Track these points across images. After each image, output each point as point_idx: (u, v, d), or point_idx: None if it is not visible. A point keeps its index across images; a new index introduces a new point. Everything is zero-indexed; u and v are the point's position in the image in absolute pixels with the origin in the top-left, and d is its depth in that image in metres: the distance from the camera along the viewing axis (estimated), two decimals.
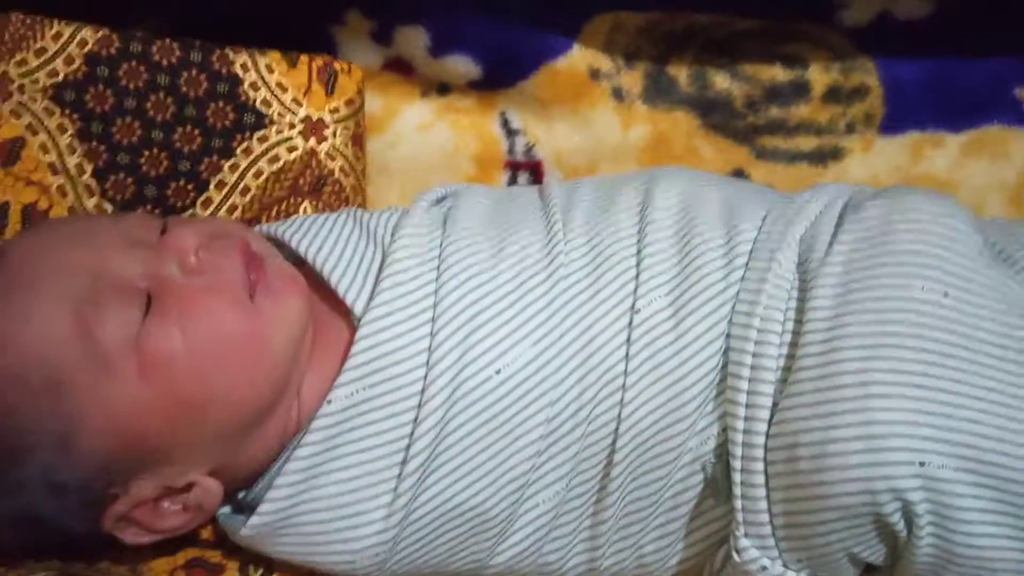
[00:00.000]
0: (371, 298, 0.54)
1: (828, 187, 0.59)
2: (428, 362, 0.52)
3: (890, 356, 0.49)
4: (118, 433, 0.50)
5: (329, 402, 0.52)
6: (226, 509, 0.56)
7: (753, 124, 0.75)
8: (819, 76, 0.74)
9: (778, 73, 0.74)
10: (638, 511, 0.54)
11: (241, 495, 0.56)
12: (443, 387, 0.52)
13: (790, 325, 0.52)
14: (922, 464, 0.48)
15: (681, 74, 0.75)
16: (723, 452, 0.52)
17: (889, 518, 0.49)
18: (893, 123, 0.75)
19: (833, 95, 0.75)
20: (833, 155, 0.75)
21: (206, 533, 0.58)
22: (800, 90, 0.74)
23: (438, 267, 0.55)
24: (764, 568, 0.51)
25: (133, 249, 0.52)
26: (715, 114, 0.75)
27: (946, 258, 0.52)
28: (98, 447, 0.50)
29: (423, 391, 0.52)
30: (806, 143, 0.75)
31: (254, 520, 0.53)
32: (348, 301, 0.54)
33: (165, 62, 0.68)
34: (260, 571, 0.56)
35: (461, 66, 0.72)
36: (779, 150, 0.75)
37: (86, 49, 0.67)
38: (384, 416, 0.52)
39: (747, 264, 0.54)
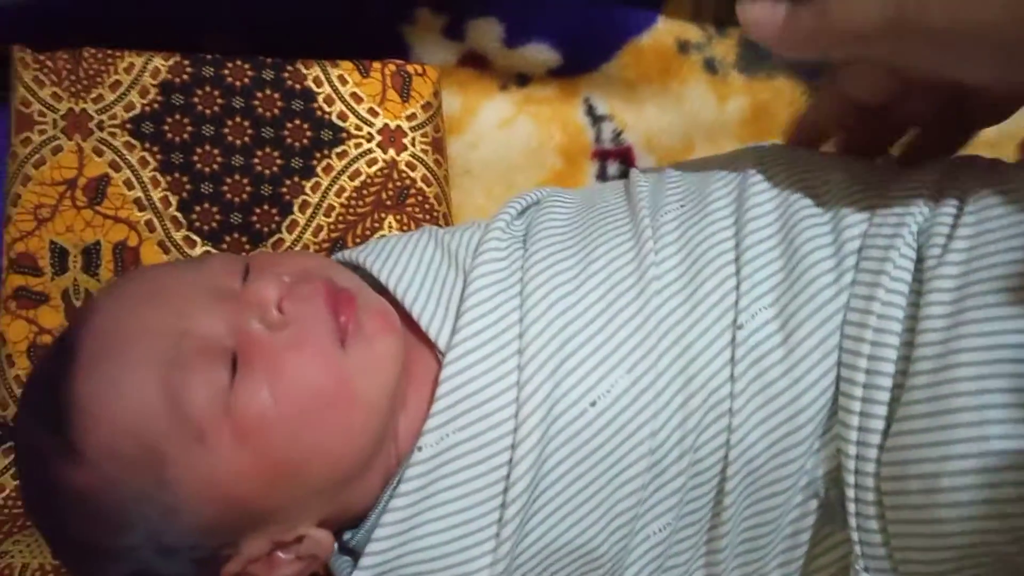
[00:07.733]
0: (454, 331, 0.51)
1: (950, 160, 0.52)
2: (518, 399, 0.49)
3: (1012, 373, 0.43)
4: (219, 498, 0.49)
5: (420, 449, 0.50)
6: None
7: None
8: None
9: None
10: (758, 538, 0.50)
11: (347, 537, 0.55)
12: (536, 425, 0.48)
13: (908, 336, 0.46)
14: None
15: None
16: (837, 476, 0.48)
17: (1017, 557, 0.43)
18: None
19: None
20: None
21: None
22: None
23: (521, 292, 0.51)
24: None
25: (215, 304, 0.50)
26: (822, 76, 0.69)
27: None
28: (201, 512, 0.49)
29: (515, 431, 0.49)
30: None
31: (357, 574, 0.51)
32: (431, 335, 0.51)
33: (238, 84, 0.66)
34: None
35: (539, 54, 0.69)
36: None
37: (159, 79, 0.66)
38: (477, 460, 0.49)
39: (857, 265, 0.48)
